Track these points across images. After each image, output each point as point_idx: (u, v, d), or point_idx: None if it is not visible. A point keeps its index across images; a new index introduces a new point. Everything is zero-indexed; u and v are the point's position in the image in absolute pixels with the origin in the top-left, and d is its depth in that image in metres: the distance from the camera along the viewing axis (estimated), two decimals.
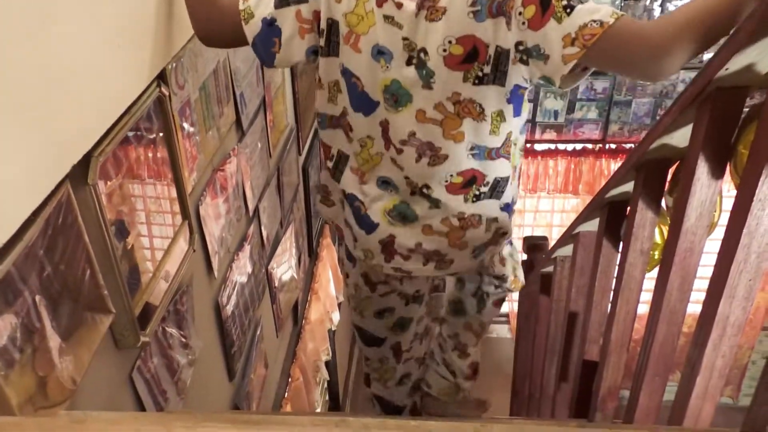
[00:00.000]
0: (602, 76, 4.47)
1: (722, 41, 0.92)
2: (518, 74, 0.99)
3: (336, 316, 3.11)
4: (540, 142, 4.85)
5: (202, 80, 1.38)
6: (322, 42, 1.05)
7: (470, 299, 1.46)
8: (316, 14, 1.04)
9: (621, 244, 1.58)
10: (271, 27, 1.05)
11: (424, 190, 1.10)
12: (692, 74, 1.23)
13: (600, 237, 1.66)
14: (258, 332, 1.95)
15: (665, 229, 1.46)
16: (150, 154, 1.15)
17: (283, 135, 2.26)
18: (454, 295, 1.49)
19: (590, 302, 1.69)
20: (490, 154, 1.07)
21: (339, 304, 3.15)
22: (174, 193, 1.26)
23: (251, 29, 1.05)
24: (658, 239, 1.46)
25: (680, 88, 4.45)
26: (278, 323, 2.26)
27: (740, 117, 1.05)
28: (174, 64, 1.19)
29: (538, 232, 5.04)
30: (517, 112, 1.05)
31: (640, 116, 4.70)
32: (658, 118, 4.31)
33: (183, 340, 1.33)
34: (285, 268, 2.28)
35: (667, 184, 1.37)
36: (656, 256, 1.49)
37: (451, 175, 1.08)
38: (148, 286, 1.14)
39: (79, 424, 0.74)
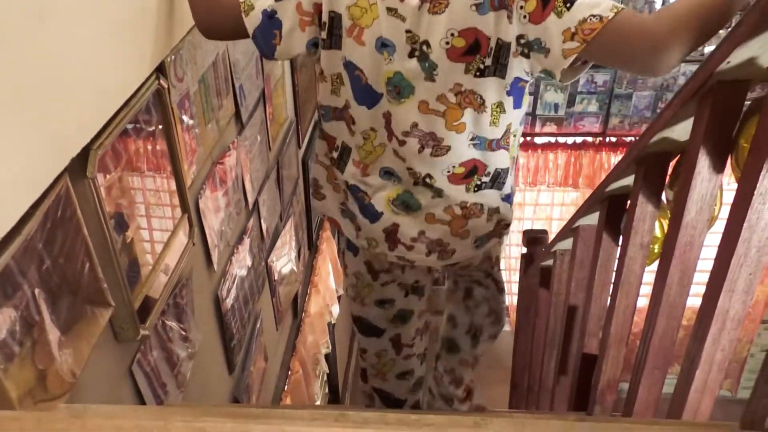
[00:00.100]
0: (603, 69, 4.46)
1: (723, 34, 0.92)
2: (519, 67, 1.00)
3: (336, 309, 3.12)
4: (540, 135, 4.86)
5: (202, 73, 1.38)
6: (323, 34, 1.04)
7: (464, 338, 1.48)
8: (317, 7, 1.03)
9: (621, 237, 1.58)
10: (271, 19, 1.04)
11: (427, 180, 1.10)
12: (693, 67, 1.23)
13: (600, 230, 1.66)
14: (258, 325, 1.95)
15: (665, 223, 1.45)
16: (149, 147, 1.14)
17: (283, 128, 2.25)
18: (449, 334, 1.50)
19: (590, 296, 1.69)
20: (491, 145, 1.08)
21: (339, 297, 3.16)
22: (173, 186, 1.26)
23: (251, 21, 1.05)
24: (658, 233, 1.46)
25: (681, 81, 4.44)
26: (278, 316, 2.26)
27: (741, 110, 1.05)
28: (173, 57, 1.19)
29: (537, 226, 5.04)
30: (517, 104, 1.06)
31: (640, 109, 4.69)
32: (658, 111, 4.31)
33: (183, 333, 1.33)
34: (284, 261, 2.28)
35: (667, 177, 1.37)
36: (656, 250, 1.49)
37: (453, 166, 1.09)
38: (148, 280, 1.14)
39: (79, 418, 0.74)
